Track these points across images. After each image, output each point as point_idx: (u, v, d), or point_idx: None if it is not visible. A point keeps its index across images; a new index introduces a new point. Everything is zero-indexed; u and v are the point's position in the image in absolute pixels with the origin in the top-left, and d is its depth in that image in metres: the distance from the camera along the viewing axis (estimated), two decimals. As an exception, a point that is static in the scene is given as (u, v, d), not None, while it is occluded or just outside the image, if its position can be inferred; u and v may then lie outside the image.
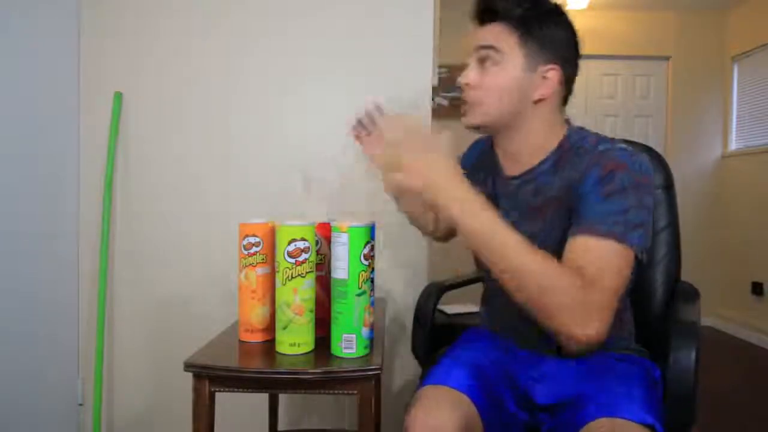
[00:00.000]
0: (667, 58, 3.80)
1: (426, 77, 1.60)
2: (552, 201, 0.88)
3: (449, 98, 3.79)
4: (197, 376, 0.90)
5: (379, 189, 1.60)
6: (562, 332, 0.72)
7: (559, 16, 0.89)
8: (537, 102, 0.88)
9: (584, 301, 0.72)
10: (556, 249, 0.81)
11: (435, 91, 1.65)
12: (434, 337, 1.18)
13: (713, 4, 3.66)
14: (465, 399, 0.85)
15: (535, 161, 0.91)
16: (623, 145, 0.85)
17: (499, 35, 0.86)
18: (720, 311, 3.58)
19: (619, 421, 0.75)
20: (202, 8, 1.61)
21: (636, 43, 3.71)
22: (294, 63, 1.61)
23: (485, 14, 0.87)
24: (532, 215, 0.91)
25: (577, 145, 0.88)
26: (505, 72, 0.86)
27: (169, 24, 1.61)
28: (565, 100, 0.93)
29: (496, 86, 0.87)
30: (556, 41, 0.87)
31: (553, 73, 0.87)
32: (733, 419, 2.12)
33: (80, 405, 1.62)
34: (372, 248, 0.95)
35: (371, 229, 0.94)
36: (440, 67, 1.65)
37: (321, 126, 1.62)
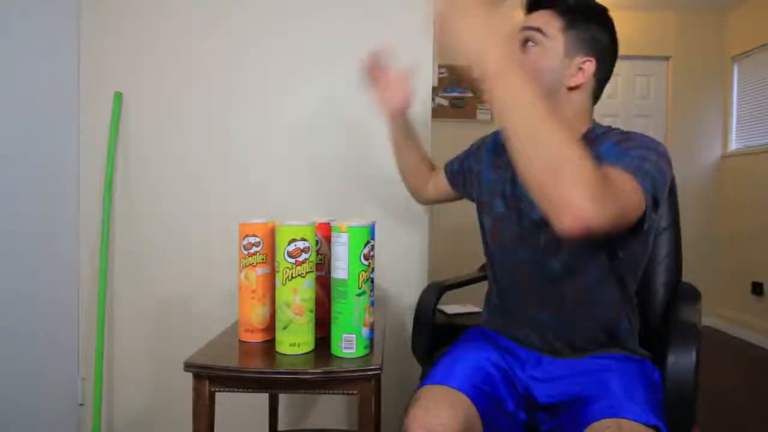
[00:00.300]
0: (667, 58, 3.80)
1: (426, 77, 1.59)
2: None
3: (449, 98, 3.79)
4: (197, 376, 0.90)
5: (379, 189, 1.60)
6: (572, 201, 0.62)
7: (604, 18, 0.93)
8: (570, 89, 0.92)
9: (602, 183, 0.65)
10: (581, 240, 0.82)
11: (435, 91, 1.65)
12: (434, 337, 1.18)
13: (713, 4, 3.66)
14: (464, 399, 0.85)
15: None
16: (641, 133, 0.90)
17: (547, 20, 0.91)
18: (720, 311, 3.58)
19: (624, 422, 0.75)
20: (202, 8, 1.61)
21: (636, 43, 3.71)
22: (294, 63, 1.61)
23: (536, 3, 0.93)
24: None
25: (601, 136, 0.92)
26: (545, 53, 0.90)
27: (169, 24, 1.61)
28: (596, 97, 0.96)
29: (535, 65, 0.90)
30: (596, 38, 0.91)
31: (588, 65, 0.91)
32: (733, 419, 2.12)
33: (80, 405, 1.62)
34: (372, 248, 0.95)
35: (371, 229, 0.95)
36: (440, 67, 1.65)
37: (321, 126, 1.62)
